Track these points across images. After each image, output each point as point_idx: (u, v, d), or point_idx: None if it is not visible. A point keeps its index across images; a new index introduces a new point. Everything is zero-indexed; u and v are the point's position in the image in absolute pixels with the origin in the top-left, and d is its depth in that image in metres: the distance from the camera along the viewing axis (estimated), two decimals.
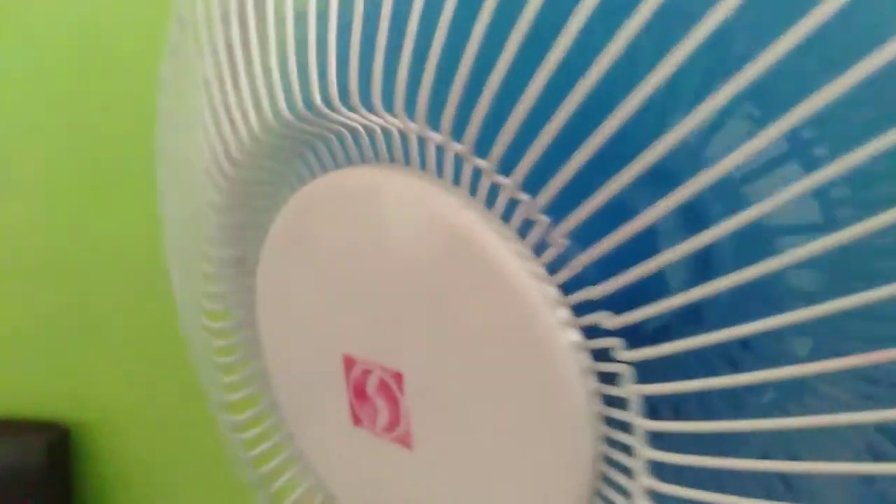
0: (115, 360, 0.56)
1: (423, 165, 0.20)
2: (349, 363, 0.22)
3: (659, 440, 0.17)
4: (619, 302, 0.17)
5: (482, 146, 0.18)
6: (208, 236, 0.27)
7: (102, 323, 0.55)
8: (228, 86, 0.23)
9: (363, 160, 0.22)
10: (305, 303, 0.23)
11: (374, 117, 0.20)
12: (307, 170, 0.23)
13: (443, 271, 0.19)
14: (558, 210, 0.18)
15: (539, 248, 0.18)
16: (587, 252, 0.17)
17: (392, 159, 0.21)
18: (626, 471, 0.18)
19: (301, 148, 0.23)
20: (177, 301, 0.32)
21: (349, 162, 0.22)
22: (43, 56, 0.52)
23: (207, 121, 0.24)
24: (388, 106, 0.19)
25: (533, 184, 0.18)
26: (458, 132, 0.18)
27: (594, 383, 0.18)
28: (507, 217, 0.19)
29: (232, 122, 0.22)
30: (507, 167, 0.18)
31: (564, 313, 0.18)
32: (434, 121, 0.18)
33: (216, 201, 0.25)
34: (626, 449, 0.18)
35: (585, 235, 0.18)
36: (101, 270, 0.53)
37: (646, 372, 0.17)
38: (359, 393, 0.22)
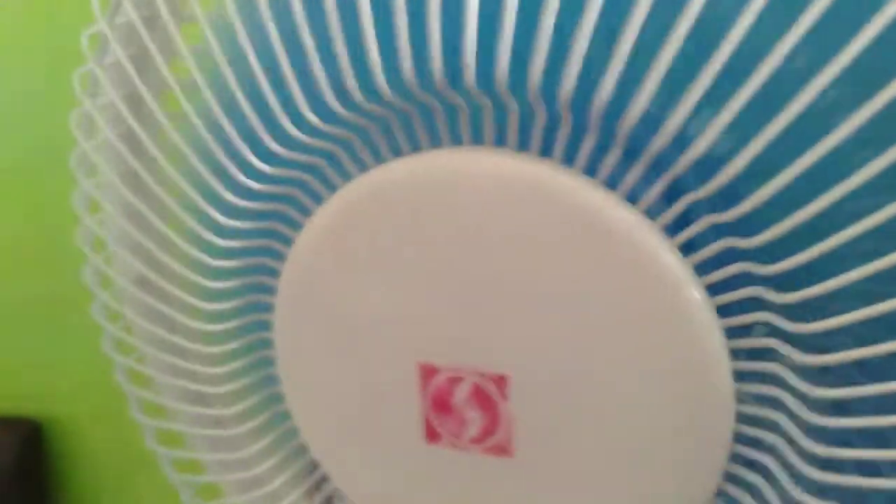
0: (86, 354, 0.51)
1: (525, 146, 0.18)
2: (428, 373, 0.20)
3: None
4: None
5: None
6: (205, 240, 0.22)
7: (71, 315, 0.51)
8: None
9: (435, 144, 0.19)
10: (361, 316, 0.21)
11: (480, 95, 0.18)
12: (353, 161, 0.20)
13: (565, 256, 0.18)
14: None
15: (672, 229, 0.18)
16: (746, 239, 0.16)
17: (478, 140, 0.19)
18: (771, 450, 0.18)
19: (351, 135, 0.20)
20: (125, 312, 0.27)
21: (416, 147, 0.20)
22: None
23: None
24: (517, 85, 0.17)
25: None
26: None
27: (739, 362, 0.18)
28: (633, 199, 0.18)
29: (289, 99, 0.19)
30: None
31: (702, 291, 0.18)
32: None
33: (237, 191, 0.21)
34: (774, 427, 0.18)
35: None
36: (69, 259, 0.49)
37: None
38: (440, 405, 0.20)
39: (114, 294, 0.25)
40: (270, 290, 0.23)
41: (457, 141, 0.19)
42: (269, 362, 0.23)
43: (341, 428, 0.22)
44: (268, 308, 0.23)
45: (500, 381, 0.19)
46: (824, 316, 0.17)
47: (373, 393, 0.21)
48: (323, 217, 0.21)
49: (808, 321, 0.17)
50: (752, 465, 0.19)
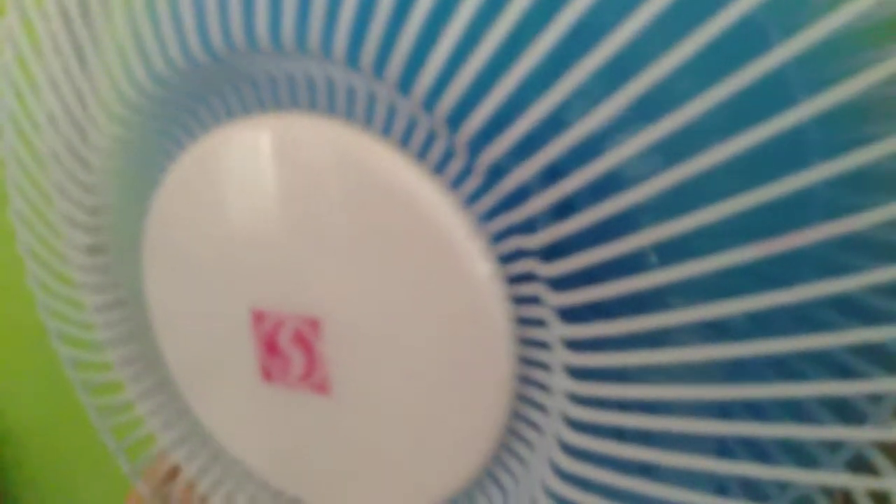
0: (32, 362, 0.53)
1: (333, 108, 0.20)
2: (258, 318, 0.22)
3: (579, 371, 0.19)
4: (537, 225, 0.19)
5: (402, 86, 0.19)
6: (68, 213, 0.25)
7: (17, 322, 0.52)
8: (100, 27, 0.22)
9: (262, 107, 0.21)
10: (206, 263, 0.23)
11: (297, 61, 0.20)
12: (197, 123, 0.23)
13: (359, 211, 0.20)
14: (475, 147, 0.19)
15: (456, 183, 0.19)
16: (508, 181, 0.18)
17: (295, 104, 0.21)
18: (545, 388, 0.20)
19: (188, 100, 0.22)
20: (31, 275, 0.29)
21: (248, 110, 0.22)
22: None
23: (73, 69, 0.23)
24: (304, 48, 0.19)
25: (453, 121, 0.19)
26: (378, 72, 0.19)
27: (513, 308, 0.19)
28: (423, 154, 0.19)
29: (126, 62, 0.21)
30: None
31: (482, 243, 0.19)
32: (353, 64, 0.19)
33: (81, 165, 0.24)
34: (546, 368, 0.20)
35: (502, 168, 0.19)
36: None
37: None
38: (270, 348, 0.22)
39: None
40: None
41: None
42: None
43: (195, 365, 0.24)
44: None
45: (313, 323, 0.21)
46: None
47: (222, 340, 0.23)
48: (176, 172, 0.23)
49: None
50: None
